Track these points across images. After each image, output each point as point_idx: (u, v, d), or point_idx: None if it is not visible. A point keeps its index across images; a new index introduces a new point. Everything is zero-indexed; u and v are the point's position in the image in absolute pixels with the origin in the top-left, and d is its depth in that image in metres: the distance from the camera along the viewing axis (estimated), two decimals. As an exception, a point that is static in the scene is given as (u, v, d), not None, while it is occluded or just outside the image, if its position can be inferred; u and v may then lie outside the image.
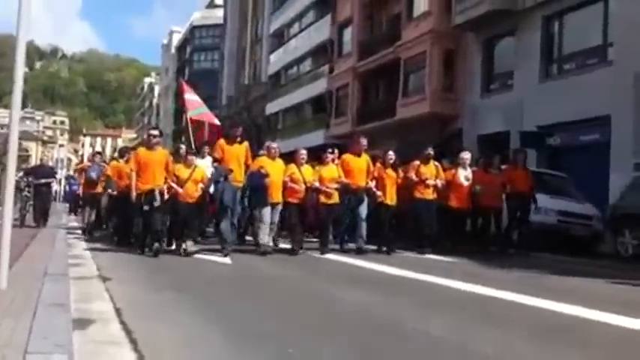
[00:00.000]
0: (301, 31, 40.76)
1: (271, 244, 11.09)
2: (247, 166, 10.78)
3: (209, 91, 50.18)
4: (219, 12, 66.36)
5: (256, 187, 10.63)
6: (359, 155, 11.61)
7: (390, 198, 11.66)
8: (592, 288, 7.79)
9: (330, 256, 10.63)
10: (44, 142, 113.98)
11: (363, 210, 11.31)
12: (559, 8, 19.10)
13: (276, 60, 44.33)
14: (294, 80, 41.14)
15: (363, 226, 11.27)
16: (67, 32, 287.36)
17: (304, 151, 11.31)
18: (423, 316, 5.30)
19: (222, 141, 10.74)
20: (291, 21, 42.86)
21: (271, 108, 43.62)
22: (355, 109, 30.78)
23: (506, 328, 4.83)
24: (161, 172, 10.01)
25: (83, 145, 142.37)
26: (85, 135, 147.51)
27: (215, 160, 10.80)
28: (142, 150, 10.37)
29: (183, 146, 12.69)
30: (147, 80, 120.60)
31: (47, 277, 6.00)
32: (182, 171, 10.52)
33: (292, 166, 10.98)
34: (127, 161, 12.35)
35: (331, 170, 11.20)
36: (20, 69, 5.54)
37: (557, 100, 18.19)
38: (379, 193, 11.51)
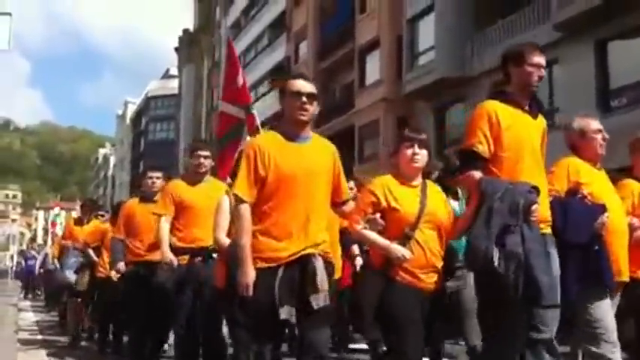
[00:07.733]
0: (257, 100, 41.15)
1: None
2: None
3: (166, 162, 49.92)
4: (174, 82, 66.73)
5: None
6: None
7: None
8: None
9: None
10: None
11: None
12: (506, 75, 19.65)
13: (232, 129, 44.49)
14: (251, 149, 41.24)
15: None
16: (16, 102, 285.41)
17: None
18: None
19: None
20: (246, 90, 43.32)
21: (229, 177, 43.44)
22: (312, 176, 30.86)
23: None
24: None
25: (37, 219, 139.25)
26: (38, 209, 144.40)
27: None
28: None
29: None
30: (101, 151, 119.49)
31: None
32: None
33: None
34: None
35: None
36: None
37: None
38: None
